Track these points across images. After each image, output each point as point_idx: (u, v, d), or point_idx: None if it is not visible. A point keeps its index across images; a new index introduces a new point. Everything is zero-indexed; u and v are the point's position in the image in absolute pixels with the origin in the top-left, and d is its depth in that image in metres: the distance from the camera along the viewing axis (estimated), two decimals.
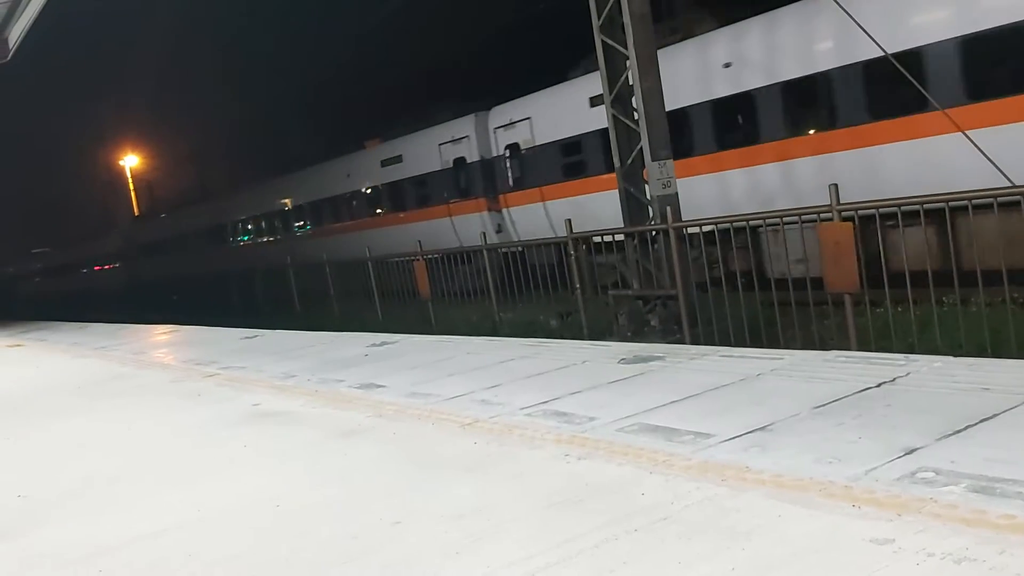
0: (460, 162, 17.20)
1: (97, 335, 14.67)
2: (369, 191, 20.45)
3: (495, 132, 16.42)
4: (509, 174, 16.18)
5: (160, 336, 13.05)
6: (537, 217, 15.35)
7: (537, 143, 15.44)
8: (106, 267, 40.48)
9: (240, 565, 3.03)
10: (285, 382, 6.67)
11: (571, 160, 14.72)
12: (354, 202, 21.01)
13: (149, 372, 8.60)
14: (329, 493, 3.73)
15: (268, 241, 25.73)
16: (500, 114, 16.46)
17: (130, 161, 42.54)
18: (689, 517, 2.84)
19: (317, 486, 3.86)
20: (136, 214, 42.33)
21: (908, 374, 4.13)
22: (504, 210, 16.41)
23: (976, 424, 3.29)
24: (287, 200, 24.31)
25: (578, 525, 2.90)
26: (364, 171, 20.43)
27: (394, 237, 17.93)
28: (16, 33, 15.45)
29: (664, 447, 3.57)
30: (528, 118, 15.55)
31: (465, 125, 17.13)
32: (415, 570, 2.76)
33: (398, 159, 19.13)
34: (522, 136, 15.76)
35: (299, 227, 23.92)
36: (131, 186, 41.86)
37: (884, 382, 4.03)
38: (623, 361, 5.49)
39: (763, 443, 3.45)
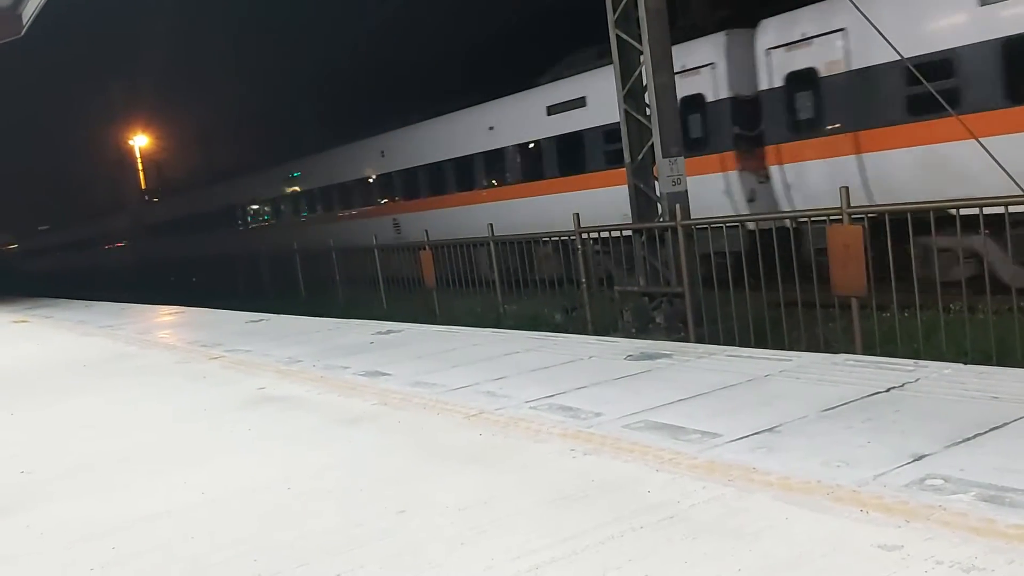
0: (694, 102, 12.73)
1: (102, 314, 14.70)
2: (528, 148, 15.88)
3: (767, 55, 11.90)
4: (790, 115, 11.56)
5: (165, 317, 13.07)
6: (838, 176, 10.53)
7: (856, 66, 10.73)
8: (117, 245, 40.56)
9: (245, 549, 3.03)
10: (290, 367, 6.67)
11: (927, 90, 10.08)
12: (501, 163, 16.55)
13: (154, 352, 8.61)
14: (334, 479, 3.74)
15: (344, 215, 21.93)
16: (780, 29, 11.80)
17: (140, 141, 42.54)
18: (695, 516, 2.83)
19: (322, 472, 3.86)
20: (144, 193, 42.34)
21: (917, 380, 4.11)
22: (775, 168, 11.92)
23: (986, 432, 3.27)
24: (375, 166, 20.53)
25: (583, 521, 2.89)
26: (520, 122, 15.88)
27: (570, 205, 13.55)
28: (30, 10, 15.47)
29: (671, 445, 3.56)
30: (842, 29, 10.84)
31: (707, 48, 12.62)
32: (420, 559, 2.76)
33: (578, 103, 14.69)
34: (824, 57, 11.13)
35: (402, 198, 19.61)
36: (140, 166, 41.87)
37: (893, 387, 4.01)
38: (630, 358, 5.48)
39: (770, 444, 3.43)
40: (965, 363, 4.38)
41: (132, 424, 5.39)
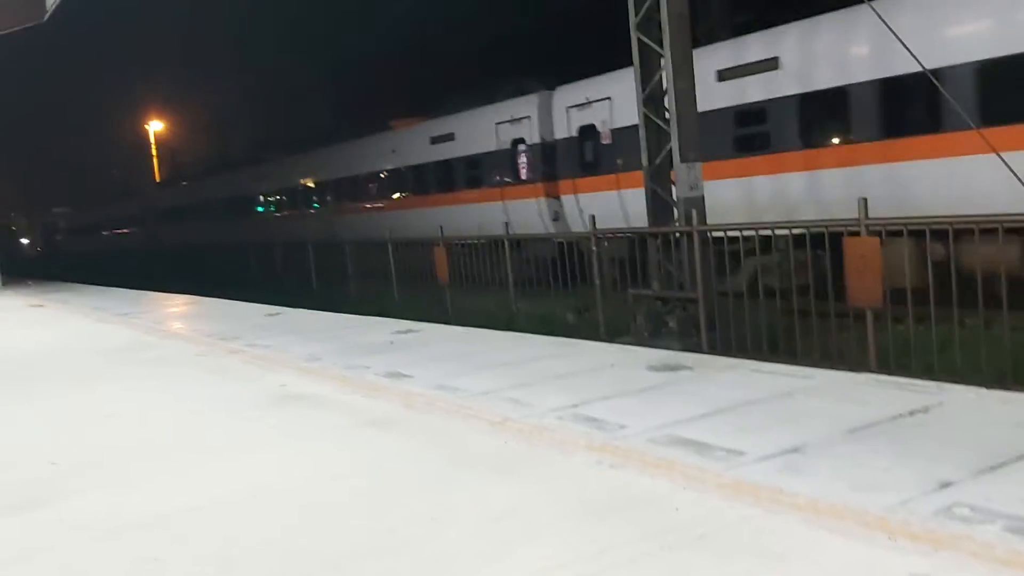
0: None
1: (118, 300, 14.81)
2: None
3: None
4: None
5: (181, 307, 13.16)
6: None
7: None
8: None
9: (276, 551, 3.09)
10: (311, 364, 6.74)
11: None
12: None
13: (173, 343, 8.69)
14: (363, 483, 3.79)
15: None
16: None
17: (155, 126, 42.66)
18: (725, 536, 2.88)
19: (350, 475, 3.91)
20: (158, 179, 42.45)
21: (941, 403, 4.15)
22: None
23: (1012, 462, 3.30)
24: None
25: (614, 536, 2.95)
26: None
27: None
28: None
29: (697, 462, 3.61)
30: None
31: None
32: (453, 569, 2.82)
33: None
34: None
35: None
36: (154, 151, 42.02)
37: (917, 410, 4.05)
38: (651, 368, 5.52)
39: (797, 465, 3.48)
40: (987, 388, 4.42)
41: (157, 418, 5.45)
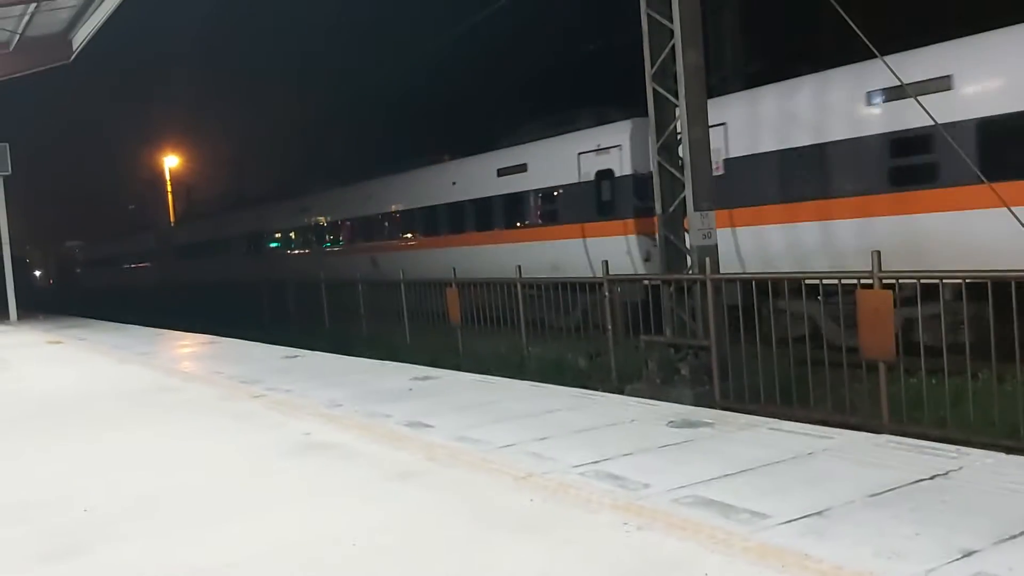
0: None
1: (136, 339, 14.94)
2: None
3: None
4: None
5: (199, 347, 13.28)
6: None
7: None
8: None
9: None
10: (332, 411, 6.83)
11: None
12: None
13: (196, 386, 8.79)
14: (392, 539, 3.84)
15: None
16: None
17: (171, 162, 43.21)
18: None
19: (379, 530, 3.97)
20: (174, 216, 42.82)
21: (961, 468, 4.22)
22: None
23: None
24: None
25: None
26: None
27: None
28: (80, 36, 15.96)
29: (722, 524, 3.68)
30: None
31: None
32: None
33: None
34: None
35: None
36: (169, 188, 42.53)
37: (937, 475, 4.13)
38: (671, 424, 5.60)
39: (820, 529, 3.55)
40: (1007, 452, 4.49)
41: (186, 465, 5.51)
